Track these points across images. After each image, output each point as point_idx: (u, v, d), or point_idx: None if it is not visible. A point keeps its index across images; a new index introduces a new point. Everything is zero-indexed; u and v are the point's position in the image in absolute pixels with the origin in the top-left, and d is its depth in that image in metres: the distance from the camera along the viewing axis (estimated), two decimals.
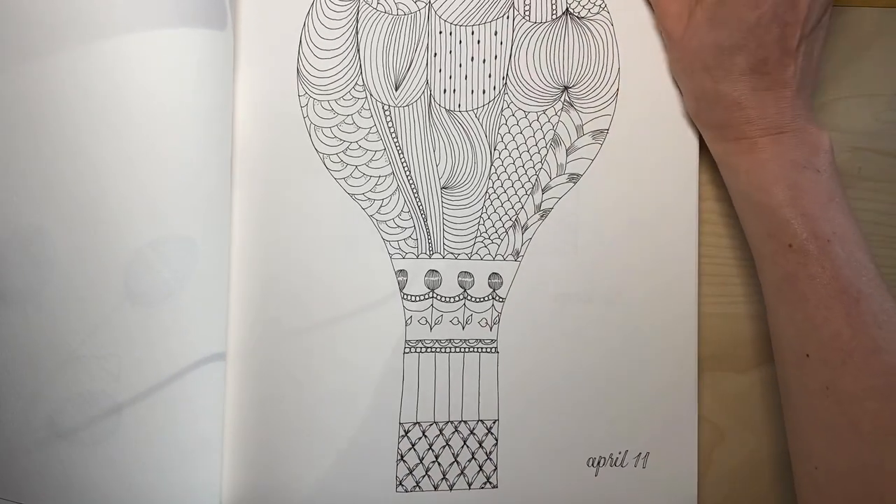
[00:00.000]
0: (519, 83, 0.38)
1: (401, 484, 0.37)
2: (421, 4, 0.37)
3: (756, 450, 0.39)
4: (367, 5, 0.37)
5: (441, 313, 0.38)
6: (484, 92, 0.38)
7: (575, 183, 0.38)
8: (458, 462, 0.37)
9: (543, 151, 0.38)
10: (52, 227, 0.28)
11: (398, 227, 0.37)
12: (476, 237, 0.38)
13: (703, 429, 0.39)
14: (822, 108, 0.40)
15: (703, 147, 0.39)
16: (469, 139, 0.38)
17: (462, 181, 0.38)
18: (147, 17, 0.29)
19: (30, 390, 0.29)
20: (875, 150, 0.41)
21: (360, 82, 0.37)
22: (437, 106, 0.37)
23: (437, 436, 0.37)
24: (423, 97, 0.37)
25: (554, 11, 0.38)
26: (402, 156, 0.37)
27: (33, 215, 0.29)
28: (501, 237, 0.38)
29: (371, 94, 0.37)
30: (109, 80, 0.29)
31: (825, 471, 0.32)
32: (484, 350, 0.38)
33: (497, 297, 0.38)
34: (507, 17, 0.38)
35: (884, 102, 0.41)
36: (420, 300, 0.37)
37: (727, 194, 0.37)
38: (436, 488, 0.37)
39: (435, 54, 0.37)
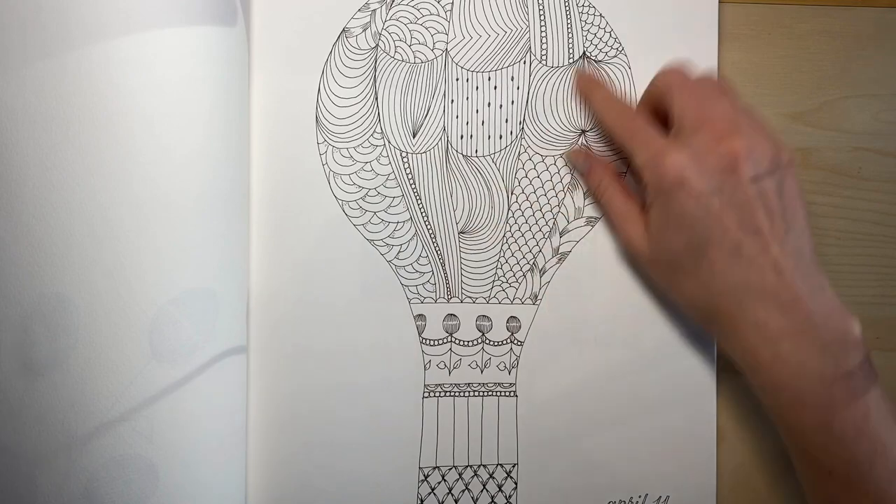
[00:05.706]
0: (536, 127, 0.38)
1: None
2: (438, 52, 0.37)
3: (757, 449, 0.39)
4: (384, 54, 0.37)
5: (460, 357, 0.38)
6: (501, 137, 0.38)
7: (593, 226, 0.38)
8: None
9: (561, 195, 0.38)
10: (73, 293, 0.29)
11: (416, 271, 0.38)
12: (494, 281, 0.38)
13: None
14: (822, 108, 0.40)
15: None
16: (486, 184, 0.38)
17: (479, 226, 0.38)
18: (155, 74, 0.29)
19: (64, 461, 0.29)
20: (875, 150, 0.41)
21: (378, 129, 0.37)
22: (454, 152, 0.38)
23: (457, 480, 0.37)
24: (440, 143, 0.38)
25: (571, 55, 0.38)
26: (419, 201, 0.38)
27: (54, 283, 0.29)
28: (519, 281, 0.38)
29: (389, 142, 0.37)
30: (121, 133, 0.29)
31: None
32: (503, 394, 0.38)
33: (515, 341, 0.38)
34: (524, 62, 0.38)
35: (884, 102, 0.41)
36: (438, 344, 0.38)
37: None
38: None
39: (452, 101, 0.37)
